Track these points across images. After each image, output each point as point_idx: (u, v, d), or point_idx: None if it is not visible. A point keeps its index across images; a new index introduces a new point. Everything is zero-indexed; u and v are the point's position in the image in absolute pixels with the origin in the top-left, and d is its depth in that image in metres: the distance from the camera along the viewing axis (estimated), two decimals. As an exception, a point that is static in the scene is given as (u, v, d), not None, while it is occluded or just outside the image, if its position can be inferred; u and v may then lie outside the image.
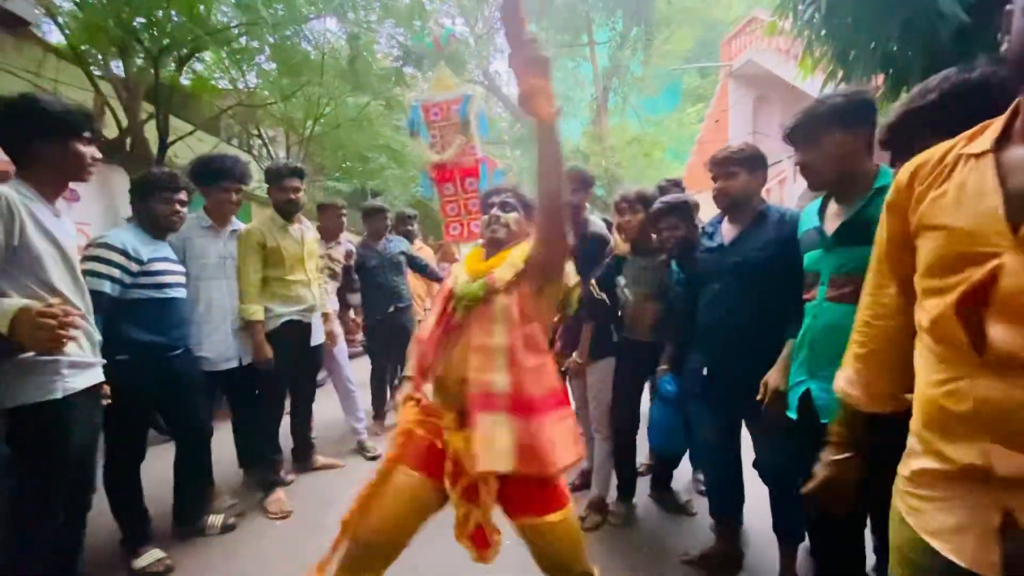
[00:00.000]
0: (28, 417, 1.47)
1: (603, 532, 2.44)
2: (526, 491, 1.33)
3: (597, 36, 14.84)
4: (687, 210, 2.20)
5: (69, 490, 1.58)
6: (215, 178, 2.50)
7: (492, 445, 1.26)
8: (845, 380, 1.05)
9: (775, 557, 1.98)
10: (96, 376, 1.68)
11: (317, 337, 2.89)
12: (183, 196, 2.23)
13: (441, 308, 1.48)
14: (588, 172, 2.78)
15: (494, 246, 1.52)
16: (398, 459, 1.40)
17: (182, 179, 2.26)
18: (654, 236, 2.35)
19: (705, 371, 1.99)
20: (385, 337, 3.88)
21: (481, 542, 1.34)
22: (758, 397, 1.72)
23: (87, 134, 1.59)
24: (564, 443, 1.33)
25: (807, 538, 1.82)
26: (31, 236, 1.44)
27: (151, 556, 2.11)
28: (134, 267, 2.03)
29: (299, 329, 2.75)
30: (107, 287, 1.93)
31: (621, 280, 2.48)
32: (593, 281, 2.47)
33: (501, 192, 1.59)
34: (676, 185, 3.04)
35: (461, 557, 1.39)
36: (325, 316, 3.03)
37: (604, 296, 2.47)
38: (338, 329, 3.33)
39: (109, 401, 1.80)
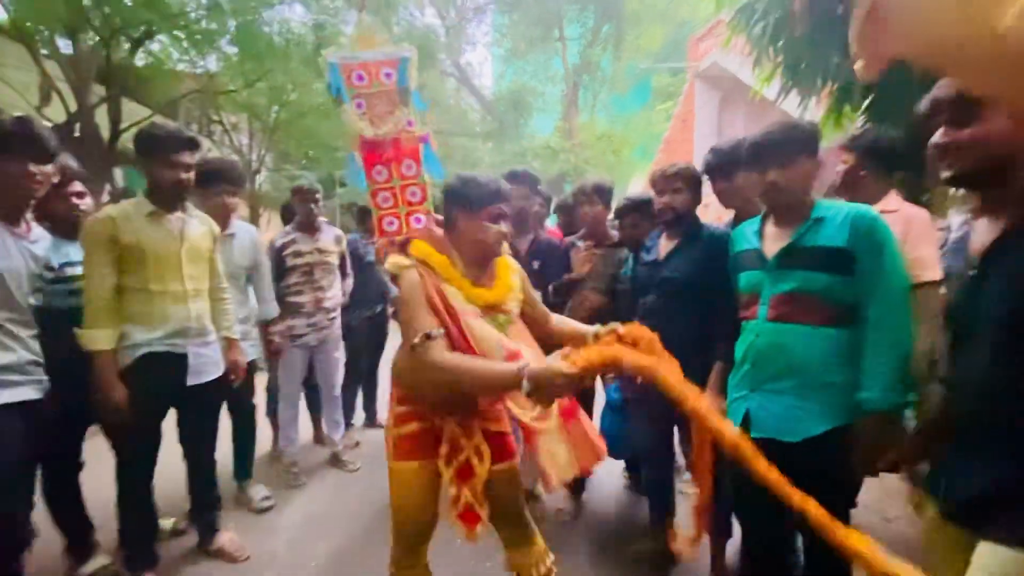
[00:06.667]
0: None
1: (554, 525, 2.50)
2: (499, 444, 1.49)
3: (568, 32, 14.91)
4: (649, 209, 2.27)
5: None
6: (209, 181, 2.33)
7: (556, 460, 1.49)
8: None
9: (706, 554, 2.07)
10: (25, 394, 1.59)
11: (204, 372, 2.07)
12: (78, 187, 2.03)
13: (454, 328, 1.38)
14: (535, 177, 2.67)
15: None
16: (398, 457, 1.48)
17: (71, 168, 1.99)
18: (615, 231, 2.41)
19: (640, 379, 2.07)
20: (364, 337, 3.61)
21: (471, 519, 1.43)
22: None
23: (32, 152, 1.52)
24: (594, 434, 1.60)
25: (736, 535, 1.93)
26: None
27: (96, 563, 2.07)
28: (48, 275, 1.87)
29: (166, 364, 1.95)
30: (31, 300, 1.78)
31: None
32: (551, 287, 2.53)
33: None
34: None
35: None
36: (229, 341, 2.24)
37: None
38: (244, 358, 2.35)
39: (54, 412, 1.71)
